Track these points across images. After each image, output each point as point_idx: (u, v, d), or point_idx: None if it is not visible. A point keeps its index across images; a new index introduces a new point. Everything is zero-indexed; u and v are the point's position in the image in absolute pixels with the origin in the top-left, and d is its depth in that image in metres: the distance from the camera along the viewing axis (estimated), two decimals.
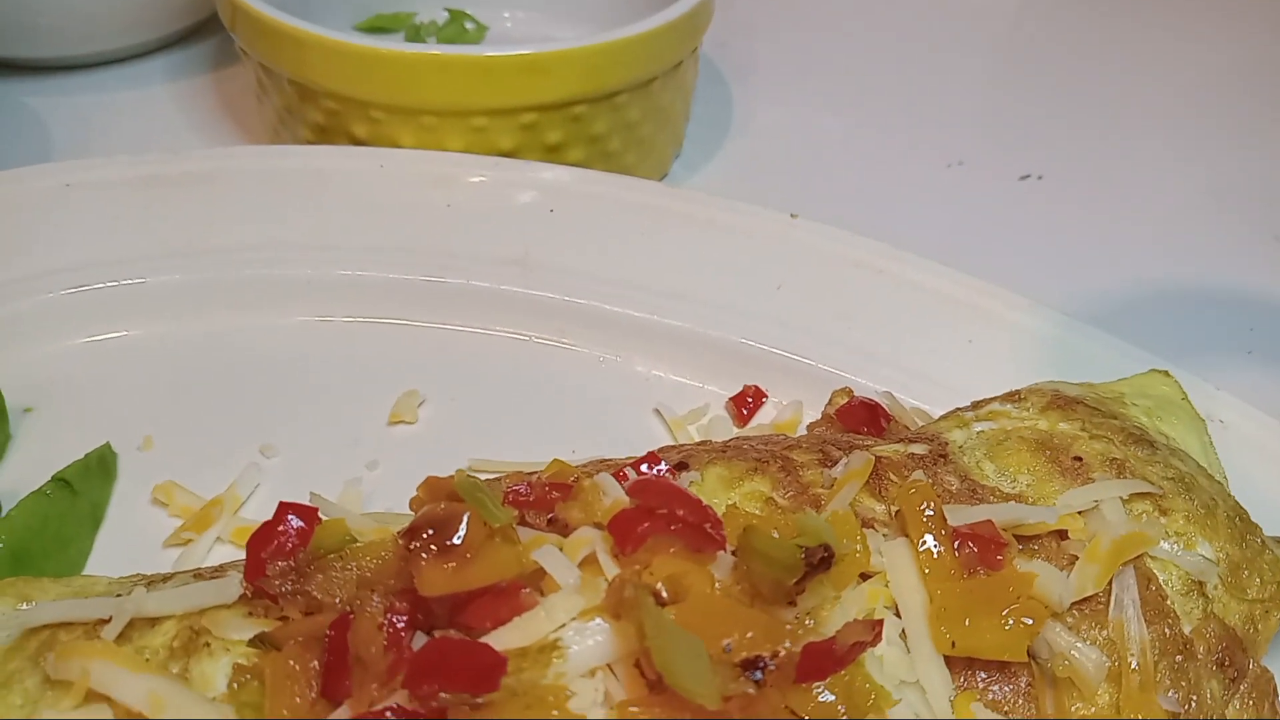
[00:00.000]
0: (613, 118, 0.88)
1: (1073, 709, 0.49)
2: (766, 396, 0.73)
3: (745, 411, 0.72)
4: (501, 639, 0.41)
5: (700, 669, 0.38)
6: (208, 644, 0.45)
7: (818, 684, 0.43)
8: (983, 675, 0.49)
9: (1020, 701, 0.49)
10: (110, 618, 0.47)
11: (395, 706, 0.39)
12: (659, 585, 0.43)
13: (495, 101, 0.85)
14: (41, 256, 0.75)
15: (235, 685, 0.43)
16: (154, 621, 0.47)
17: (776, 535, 0.46)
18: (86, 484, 0.65)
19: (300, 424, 0.70)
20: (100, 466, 0.67)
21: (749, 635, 0.41)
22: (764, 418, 0.72)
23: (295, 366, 0.73)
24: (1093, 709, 0.49)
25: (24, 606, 0.51)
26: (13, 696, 0.45)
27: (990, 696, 0.48)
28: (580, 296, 0.76)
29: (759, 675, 0.40)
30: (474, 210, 0.80)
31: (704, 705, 0.38)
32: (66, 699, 0.43)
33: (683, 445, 0.61)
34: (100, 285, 0.75)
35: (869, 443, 0.60)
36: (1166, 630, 0.51)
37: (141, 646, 0.46)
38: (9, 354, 0.71)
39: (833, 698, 0.43)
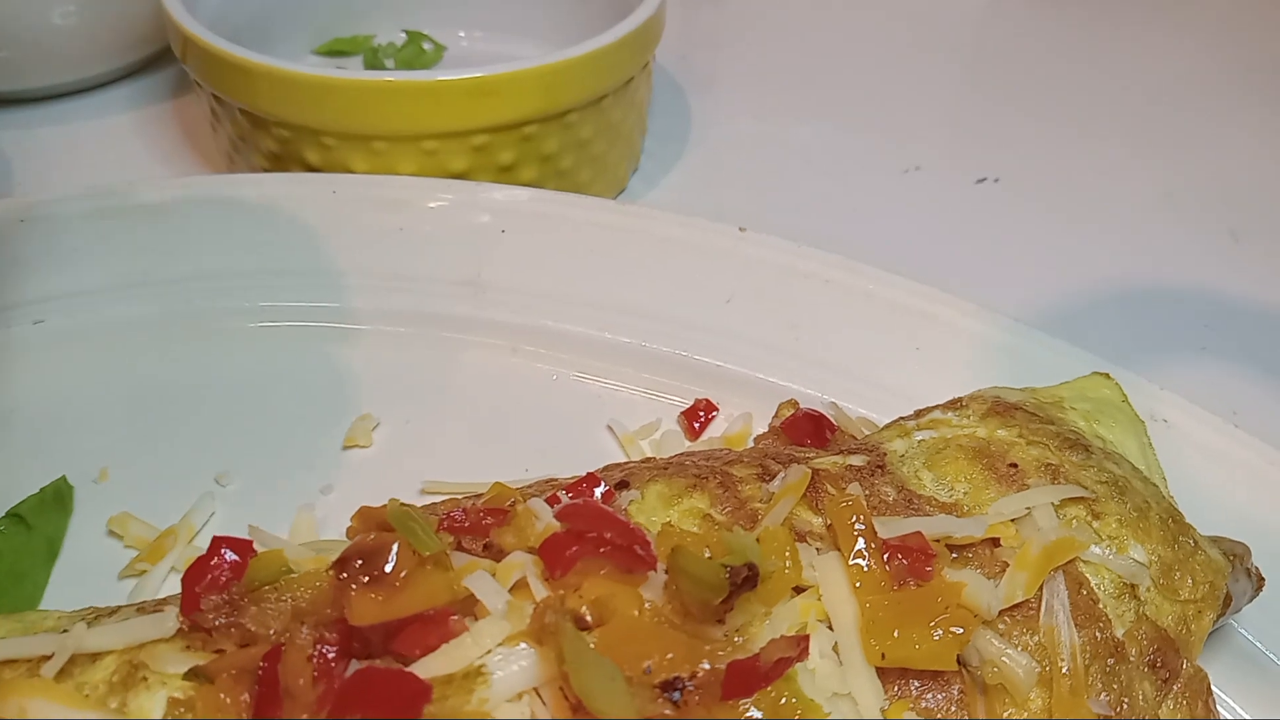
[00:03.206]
0: (564, 136, 0.89)
1: (1005, 715, 0.49)
2: (718, 410, 0.74)
3: (697, 425, 0.73)
4: (428, 667, 0.42)
5: (617, 692, 0.38)
6: (145, 678, 0.46)
7: (744, 700, 0.44)
8: (915, 684, 0.50)
9: (953, 709, 0.49)
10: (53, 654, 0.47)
11: None
12: (584, 609, 0.44)
13: (446, 125, 0.85)
14: None
15: (170, 719, 0.43)
16: (95, 657, 0.48)
17: (707, 554, 0.47)
18: (42, 518, 0.66)
19: (255, 451, 0.71)
20: (56, 500, 0.67)
21: (669, 656, 0.41)
22: (715, 431, 0.73)
23: (249, 394, 0.74)
24: (1024, 714, 0.49)
25: None
26: None
27: (923, 705, 0.49)
28: (532, 315, 0.77)
29: (678, 696, 0.40)
30: (426, 233, 0.81)
31: None
32: None
33: (626, 464, 0.62)
34: (56, 318, 0.75)
35: (810, 455, 0.60)
36: (1098, 634, 0.52)
37: (82, 682, 0.46)
38: None
39: (759, 715, 0.44)
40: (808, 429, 0.67)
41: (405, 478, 0.69)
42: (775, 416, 0.69)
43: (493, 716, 0.40)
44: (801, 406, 0.70)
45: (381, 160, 0.86)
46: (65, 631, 0.50)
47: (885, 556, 0.50)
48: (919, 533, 0.51)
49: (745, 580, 0.45)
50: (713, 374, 0.75)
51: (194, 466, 0.70)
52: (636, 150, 1.02)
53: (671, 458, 0.62)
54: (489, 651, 0.42)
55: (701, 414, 0.73)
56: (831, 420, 0.68)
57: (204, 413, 0.73)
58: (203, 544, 0.66)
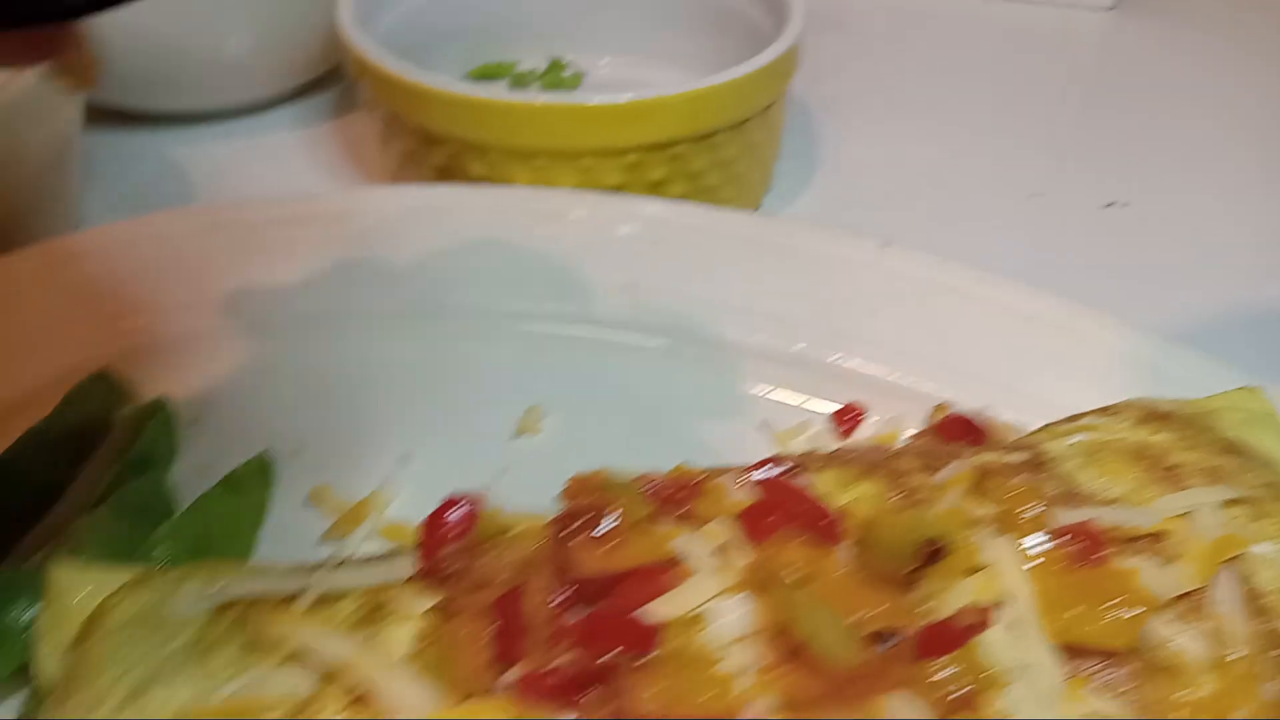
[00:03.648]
0: (710, 156, 0.94)
1: (1176, 696, 0.52)
2: (865, 413, 0.77)
3: (845, 428, 0.77)
4: (651, 614, 0.46)
5: (840, 636, 0.42)
6: (388, 615, 0.51)
7: (935, 661, 0.47)
8: (1094, 662, 0.52)
9: (1125, 689, 0.52)
10: (298, 594, 0.53)
11: (562, 668, 0.45)
12: (789, 570, 0.48)
13: (601, 143, 0.91)
14: (196, 285, 0.84)
15: (417, 650, 0.49)
16: (334, 599, 0.53)
17: (893, 530, 0.51)
18: (250, 486, 0.73)
19: (435, 434, 0.77)
20: (260, 471, 0.74)
21: (876, 613, 0.45)
22: (864, 433, 0.77)
23: (427, 383, 0.80)
24: (1196, 696, 0.51)
25: (215, 587, 0.58)
26: (216, 661, 0.52)
27: (1102, 681, 0.52)
28: (686, 320, 0.82)
29: (887, 647, 0.44)
30: (584, 241, 0.87)
31: (841, 671, 0.42)
32: (268, 660, 0.49)
33: (792, 454, 0.66)
34: (254, 311, 0.83)
35: (969, 452, 0.64)
36: (1264, 626, 0.54)
37: (327, 618, 0.52)
38: (177, 373, 0.79)
39: (949, 674, 0.47)
40: (961, 431, 0.70)
41: (573, 465, 0.73)
42: (930, 418, 0.73)
43: (717, 657, 0.44)
44: (952, 411, 0.73)
45: (542, 174, 0.93)
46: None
47: (1058, 542, 0.53)
48: (1091, 521, 0.54)
49: (936, 553, 0.49)
50: (860, 380, 0.78)
51: (379, 447, 0.76)
52: (770, 172, 1.07)
53: (832, 451, 0.66)
54: (706, 602, 0.47)
55: (849, 417, 0.77)
56: (982, 424, 0.71)
57: (386, 399, 0.80)
58: (392, 514, 0.73)
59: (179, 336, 0.81)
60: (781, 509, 0.50)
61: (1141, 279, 1.00)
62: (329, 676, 0.49)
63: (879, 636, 0.44)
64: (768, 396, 0.79)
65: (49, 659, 0.60)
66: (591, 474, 0.53)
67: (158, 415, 0.76)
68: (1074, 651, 0.52)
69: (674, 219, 0.87)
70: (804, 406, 0.79)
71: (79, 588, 0.61)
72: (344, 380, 0.81)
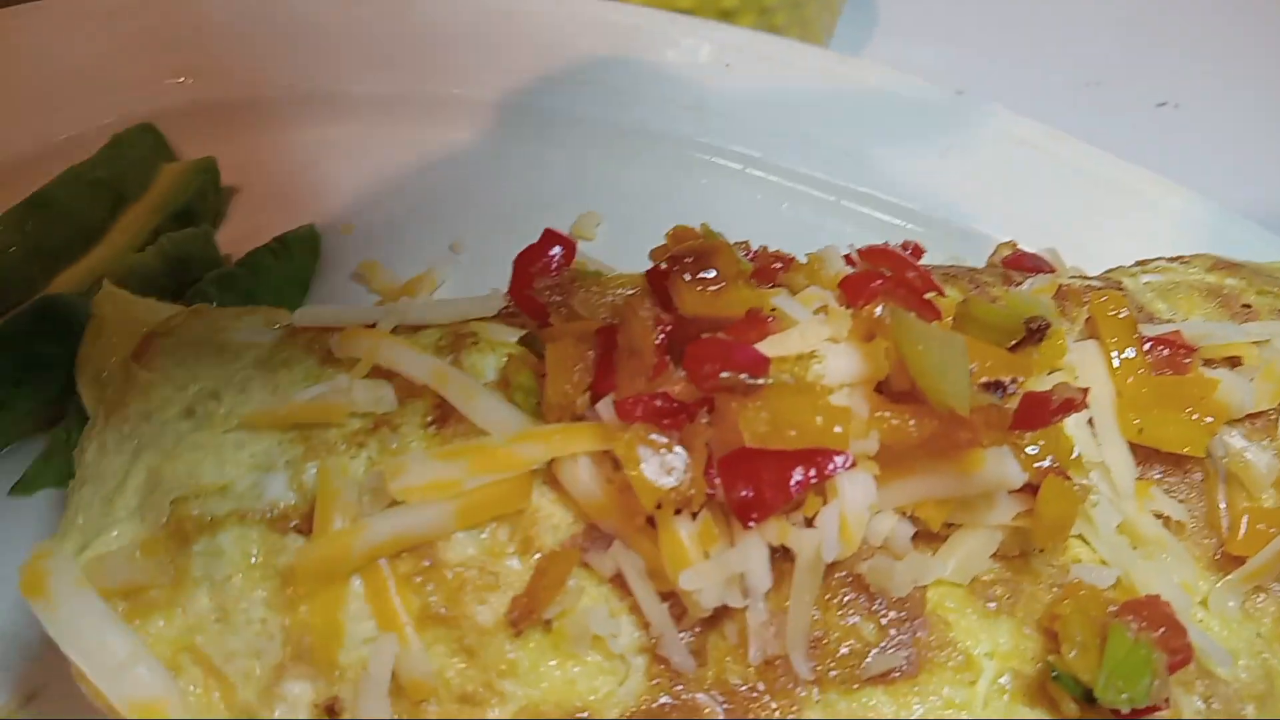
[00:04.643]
0: None
1: (1240, 506, 0.52)
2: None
3: None
4: (762, 350, 0.45)
5: (959, 374, 0.42)
6: (476, 342, 0.50)
7: (1026, 434, 0.47)
8: (1159, 468, 0.53)
9: (1193, 495, 0.53)
10: (375, 323, 0.51)
11: (667, 393, 0.44)
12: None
13: None
14: (254, 52, 0.80)
15: (504, 376, 0.47)
16: (416, 329, 0.52)
17: (994, 310, 0.50)
18: (298, 249, 0.71)
19: (488, 228, 0.75)
20: (308, 239, 0.72)
21: (989, 363, 0.45)
22: None
23: (486, 180, 0.78)
24: (1259, 507, 0.52)
25: (275, 327, 0.56)
26: (293, 374, 0.50)
27: (1166, 487, 0.52)
28: (752, 145, 0.80)
29: (1000, 395, 0.44)
30: (655, 60, 0.84)
31: (955, 411, 0.42)
32: (350, 373, 0.48)
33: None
34: (312, 87, 0.79)
35: (1046, 274, 0.63)
36: None
37: (411, 342, 0.50)
38: (226, 138, 0.76)
39: (1036, 449, 0.47)
40: (1028, 267, 0.69)
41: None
42: (994, 254, 0.72)
43: (830, 388, 0.44)
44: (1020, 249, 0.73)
45: None
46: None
47: (1147, 348, 0.53)
48: (1178, 331, 0.54)
49: (1039, 329, 0.48)
50: (923, 217, 0.78)
51: (430, 233, 0.74)
52: (836, 19, 1.04)
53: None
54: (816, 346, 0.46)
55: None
56: (1049, 263, 0.71)
57: (440, 190, 0.77)
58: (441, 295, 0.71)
59: (231, 102, 0.77)
60: (888, 276, 0.49)
61: (1190, 183, 1.00)
62: (412, 391, 0.48)
63: (994, 385, 0.44)
64: (825, 228, 0.78)
65: (93, 383, 0.58)
66: (692, 228, 0.52)
67: (206, 174, 0.73)
68: (1146, 455, 0.52)
69: (747, 46, 0.85)
70: (867, 239, 0.78)
71: (128, 316, 0.59)
72: (399, 167, 0.78)
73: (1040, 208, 0.77)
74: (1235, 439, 0.53)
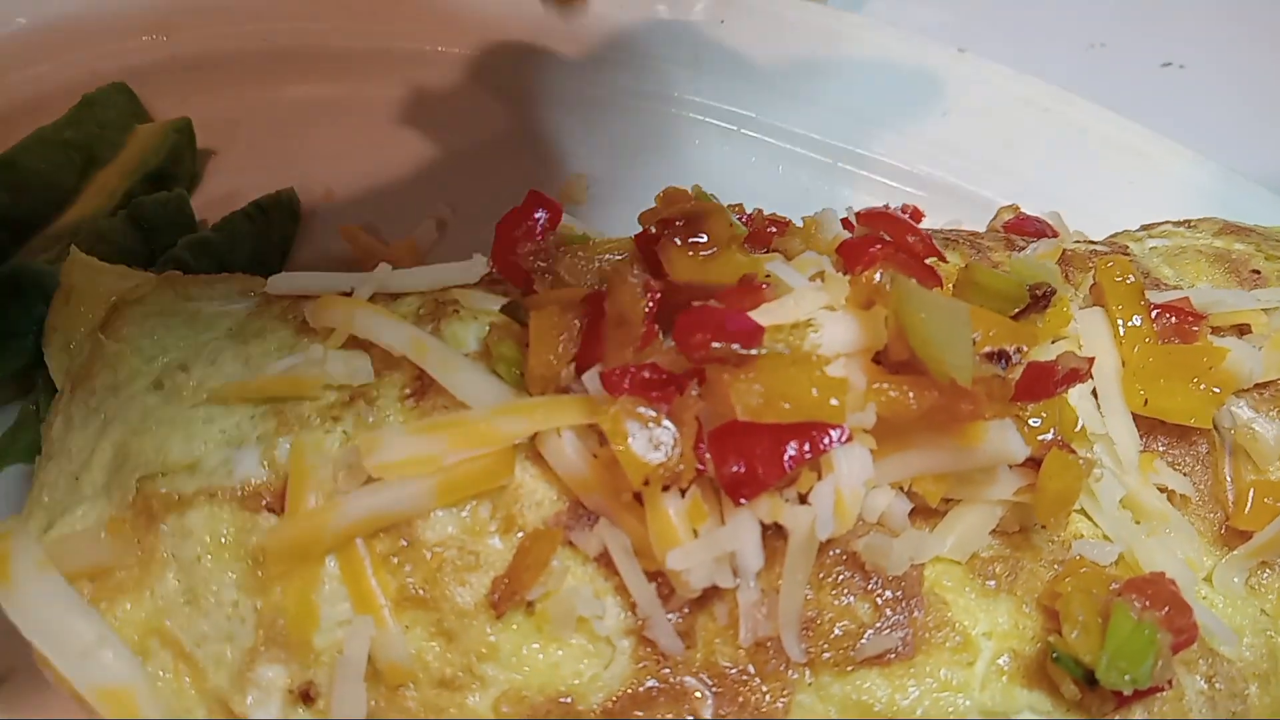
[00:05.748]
0: None
1: (1245, 478, 0.51)
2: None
3: None
4: (756, 318, 0.43)
5: (962, 343, 0.40)
6: (457, 311, 0.47)
7: (1029, 406, 0.45)
8: (1163, 440, 0.51)
9: (1198, 467, 0.51)
10: (352, 291, 0.49)
11: (657, 364, 0.42)
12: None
13: None
14: (229, 8, 0.76)
15: (485, 347, 0.45)
16: (394, 297, 0.50)
17: (997, 275, 0.48)
18: (277, 215, 0.68)
19: (474, 193, 0.72)
20: (288, 204, 0.69)
21: (992, 331, 0.43)
22: None
23: (471, 141, 0.75)
24: (1264, 479, 0.51)
25: (250, 295, 0.54)
26: (266, 344, 0.48)
27: (1170, 460, 0.51)
28: (748, 108, 0.78)
29: (1004, 366, 0.42)
30: (646, 14, 0.81)
31: (956, 382, 0.40)
32: (325, 343, 0.46)
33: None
34: (280, 39, 0.76)
35: (1049, 238, 0.61)
36: None
37: (389, 311, 0.48)
38: (201, 98, 0.73)
39: (1040, 421, 0.45)
40: (1031, 231, 0.67)
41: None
42: (995, 219, 0.70)
43: (826, 358, 0.42)
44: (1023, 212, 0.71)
45: None
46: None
47: (1151, 314, 0.51)
48: (1186, 297, 0.52)
49: (1044, 296, 0.46)
50: (923, 180, 0.75)
51: (414, 202, 0.71)
52: None
53: None
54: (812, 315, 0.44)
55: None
56: (1054, 228, 0.69)
57: (428, 152, 0.74)
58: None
59: (207, 60, 0.74)
60: (887, 241, 0.47)
61: (1191, 144, 0.98)
62: (390, 363, 0.46)
63: (997, 355, 0.42)
64: (822, 190, 0.76)
65: (61, 353, 0.56)
66: (683, 189, 0.50)
67: (181, 135, 0.70)
68: (1149, 426, 0.51)
69: (742, 1, 0.82)
70: (867, 202, 0.76)
71: (96, 284, 0.57)
72: (383, 126, 0.75)
73: (1044, 170, 0.75)
74: (1243, 409, 0.51)
